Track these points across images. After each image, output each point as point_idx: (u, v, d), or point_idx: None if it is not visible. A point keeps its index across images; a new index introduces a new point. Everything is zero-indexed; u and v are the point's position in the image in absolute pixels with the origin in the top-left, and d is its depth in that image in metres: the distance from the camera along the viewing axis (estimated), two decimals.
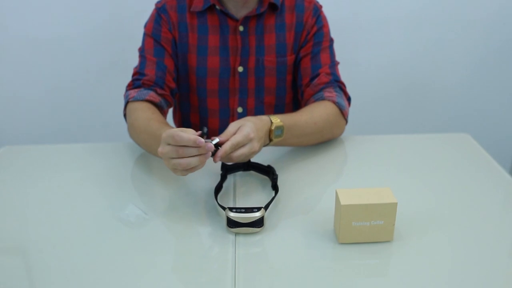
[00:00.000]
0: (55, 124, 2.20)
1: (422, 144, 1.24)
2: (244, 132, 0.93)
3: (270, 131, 1.02)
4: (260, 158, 1.08)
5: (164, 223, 0.93)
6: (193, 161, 0.86)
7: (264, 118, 1.02)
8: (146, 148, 1.11)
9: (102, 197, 1.01)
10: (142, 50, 1.24)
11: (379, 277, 0.80)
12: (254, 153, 0.96)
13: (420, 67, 2.20)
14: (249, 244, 0.86)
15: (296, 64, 1.28)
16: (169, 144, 0.86)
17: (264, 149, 1.17)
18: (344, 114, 1.20)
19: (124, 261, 0.82)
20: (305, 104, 1.24)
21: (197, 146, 0.84)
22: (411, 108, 2.28)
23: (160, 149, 0.88)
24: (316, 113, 1.14)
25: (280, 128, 1.03)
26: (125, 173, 1.11)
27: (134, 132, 1.13)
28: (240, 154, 0.93)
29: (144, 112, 1.12)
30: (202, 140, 0.84)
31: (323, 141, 1.20)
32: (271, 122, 1.02)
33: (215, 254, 0.84)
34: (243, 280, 0.78)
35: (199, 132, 0.89)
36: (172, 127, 1.04)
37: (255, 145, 0.94)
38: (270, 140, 1.03)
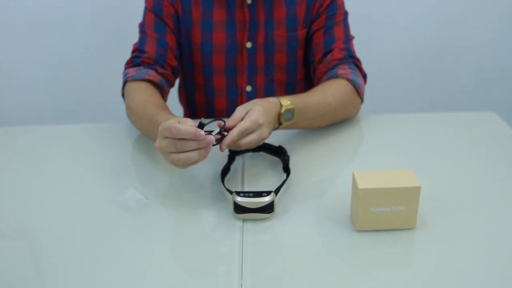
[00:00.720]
0: (54, 103, 2.16)
1: (445, 123, 1.18)
2: (253, 117, 0.88)
3: (279, 114, 0.97)
4: (271, 138, 1.02)
5: (166, 208, 0.89)
6: (193, 155, 0.81)
7: (272, 101, 0.96)
8: (143, 132, 1.06)
9: (101, 180, 0.97)
10: (142, 26, 1.19)
11: (400, 268, 0.76)
12: (263, 139, 0.91)
13: (440, 41, 2.12)
14: (258, 231, 0.82)
15: (308, 39, 1.22)
16: (166, 138, 0.81)
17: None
18: (359, 93, 1.14)
19: (124, 249, 0.79)
20: (318, 82, 1.19)
21: (196, 139, 0.78)
22: (432, 84, 2.21)
23: (157, 144, 0.83)
24: (329, 92, 1.09)
25: (290, 111, 0.98)
26: (126, 155, 1.07)
27: (131, 114, 1.08)
28: (249, 141, 0.88)
29: (142, 94, 1.07)
30: (202, 132, 0.78)
31: (337, 122, 1.15)
32: (281, 105, 0.97)
33: (221, 242, 0.80)
34: (250, 269, 0.73)
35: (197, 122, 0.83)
36: (170, 112, 0.99)
37: (265, 130, 0.90)
38: (280, 123, 0.98)
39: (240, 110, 0.90)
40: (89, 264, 0.75)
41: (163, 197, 0.91)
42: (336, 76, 1.13)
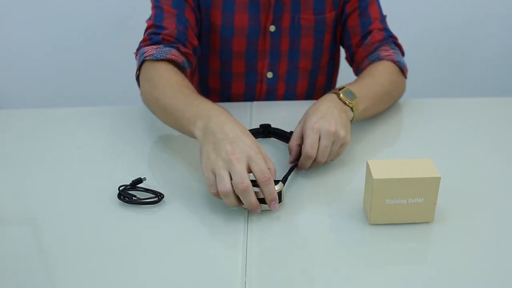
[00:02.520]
0: (59, 87, 2.15)
1: (469, 109, 1.12)
2: (307, 125, 0.85)
3: (340, 99, 0.92)
4: (283, 123, 0.99)
5: (167, 196, 0.84)
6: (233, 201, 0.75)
7: (324, 97, 0.92)
8: (170, 118, 0.91)
9: (106, 167, 0.93)
10: (157, 0, 1.08)
11: (416, 264, 0.71)
12: (335, 132, 0.85)
13: (468, 21, 2.05)
14: (264, 224, 0.78)
15: (342, 22, 1.16)
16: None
17: (287, 113, 1.08)
18: (404, 73, 1.12)
19: (124, 237, 0.75)
20: (358, 67, 1.15)
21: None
22: (452, 67, 2.14)
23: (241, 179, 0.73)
24: (377, 74, 1.04)
25: (348, 91, 0.93)
26: (130, 142, 1.02)
27: (159, 95, 0.92)
28: (322, 148, 0.85)
29: (172, 76, 0.95)
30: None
31: (391, 104, 1.10)
32: (334, 93, 0.93)
33: (224, 235, 0.76)
34: (256, 265, 0.69)
35: None
36: (207, 99, 0.88)
37: (331, 121, 0.85)
38: (350, 108, 0.92)
39: (296, 133, 0.89)
40: (91, 252, 0.72)
41: (165, 185, 0.87)
42: (379, 59, 1.09)
